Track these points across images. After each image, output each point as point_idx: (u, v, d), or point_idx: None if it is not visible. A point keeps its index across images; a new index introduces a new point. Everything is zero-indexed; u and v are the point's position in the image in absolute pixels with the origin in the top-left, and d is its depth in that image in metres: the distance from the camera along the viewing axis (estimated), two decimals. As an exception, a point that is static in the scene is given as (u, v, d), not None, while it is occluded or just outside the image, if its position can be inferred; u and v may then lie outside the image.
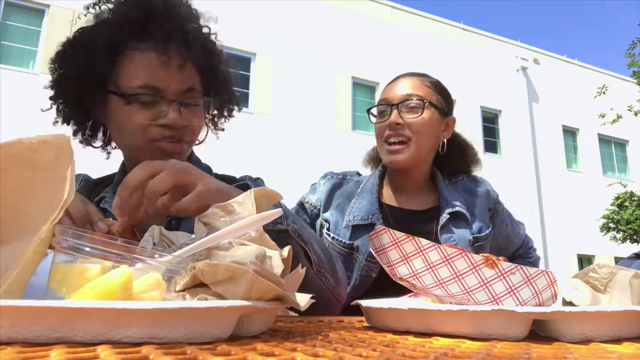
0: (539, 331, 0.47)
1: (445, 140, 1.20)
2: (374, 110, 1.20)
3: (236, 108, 0.99)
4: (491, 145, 12.03)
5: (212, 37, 0.89)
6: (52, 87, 0.88)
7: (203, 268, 0.40)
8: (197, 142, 0.92)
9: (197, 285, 0.42)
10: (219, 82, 0.89)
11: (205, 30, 0.87)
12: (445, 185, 1.22)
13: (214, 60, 0.87)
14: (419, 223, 1.15)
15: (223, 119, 0.99)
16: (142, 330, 0.34)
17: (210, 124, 0.98)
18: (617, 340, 0.44)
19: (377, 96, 1.30)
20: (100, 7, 0.83)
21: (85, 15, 0.83)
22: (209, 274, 0.40)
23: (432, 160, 1.22)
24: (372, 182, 1.21)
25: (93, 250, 0.39)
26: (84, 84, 0.81)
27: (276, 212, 0.52)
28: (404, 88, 1.16)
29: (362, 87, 10.63)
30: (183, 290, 0.42)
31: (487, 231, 1.18)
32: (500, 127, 12.33)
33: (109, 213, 0.84)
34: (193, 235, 0.53)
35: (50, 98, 0.87)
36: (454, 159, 1.26)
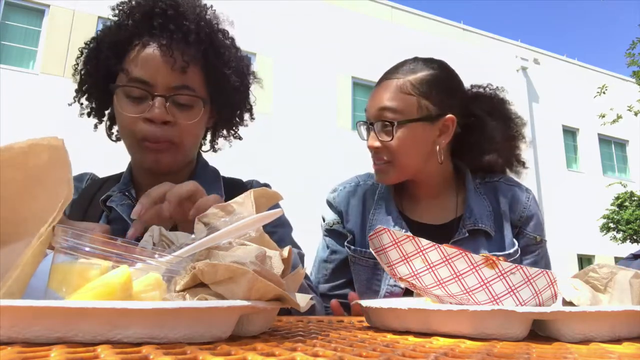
0: (539, 331, 0.47)
1: (443, 142, 1.01)
2: (362, 126, 1.06)
3: (248, 117, 0.97)
4: (491, 145, 12.01)
5: (227, 41, 0.88)
6: (77, 82, 0.92)
7: (203, 268, 0.40)
8: (199, 145, 0.92)
9: (197, 285, 0.42)
10: (227, 88, 0.86)
11: (219, 34, 0.87)
12: (476, 187, 1.06)
13: (221, 65, 0.85)
14: (435, 240, 1.03)
15: (233, 127, 0.97)
16: (142, 330, 0.34)
17: (222, 131, 0.97)
18: (617, 340, 0.44)
19: None
20: (118, 8, 0.85)
21: (110, 17, 0.87)
22: (209, 274, 0.40)
23: (449, 159, 1.06)
24: (387, 190, 1.09)
25: (93, 250, 0.39)
26: (96, 79, 0.86)
27: (276, 212, 0.52)
28: (378, 99, 1.00)
29: (362, 87, 10.62)
30: (183, 290, 0.42)
31: (512, 250, 1.00)
32: (500, 127, 12.32)
33: (115, 211, 0.84)
34: (193, 236, 0.53)
35: (75, 91, 0.91)
36: (476, 151, 1.07)
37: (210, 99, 0.86)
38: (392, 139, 0.97)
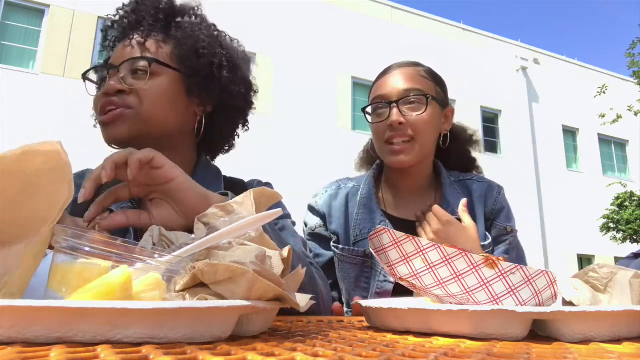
0: (539, 331, 0.47)
1: (447, 132, 1.12)
2: (369, 109, 1.11)
3: (243, 102, 0.94)
4: (491, 145, 12.03)
5: (194, 17, 0.92)
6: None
7: (203, 268, 0.40)
8: (180, 124, 0.87)
9: (197, 285, 0.42)
10: (197, 56, 0.85)
11: (181, 10, 0.91)
12: (451, 183, 1.13)
13: (186, 37, 0.86)
14: (417, 234, 1.05)
15: (227, 108, 0.92)
16: (142, 330, 0.34)
17: (219, 117, 0.93)
18: (617, 340, 0.44)
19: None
20: (105, 27, 0.94)
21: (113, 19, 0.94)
22: (209, 274, 0.40)
23: (434, 155, 1.14)
24: (369, 189, 1.13)
25: (93, 250, 0.39)
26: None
27: (275, 212, 0.52)
28: (401, 82, 1.06)
29: (362, 87, 10.63)
30: (183, 290, 0.42)
31: (486, 242, 1.07)
32: (500, 127, 12.33)
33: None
34: (193, 236, 0.53)
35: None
36: (453, 152, 1.17)
37: (176, 68, 0.85)
38: (422, 113, 1.03)
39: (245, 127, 0.99)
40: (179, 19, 0.90)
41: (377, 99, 1.08)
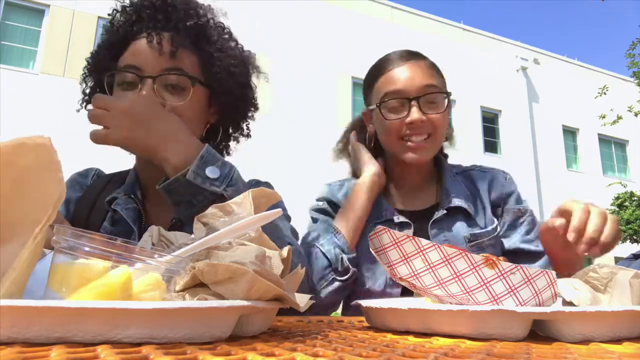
0: (539, 331, 0.47)
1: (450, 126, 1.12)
2: (383, 104, 1.05)
3: (250, 113, 0.99)
4: (491, 145, 12.03)
5: (223, 33, 0.92)
6: (83, 81, 0.95)
7: (203, 268, 0.40)
8: (200, 134, 0.91)
9: (197, 285, 0.42)
10: (223, 73, 0.88)
11: (211, 22, 0.91)
12: (453, 175, 1.12)
13: (214, 50, 0.87)
14: (417, 225, 1.05)
15: (239, 121, 0.98)
16: (142, 330, 0.34)
17: (229, 128, 0.98)
18: (617, 340, 0.44)
19: (364, 91, 1.17)
20: (113, 11, 0.90)
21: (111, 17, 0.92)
22: (208, 274, 0.40)
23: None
24: None
25: (93, 250, 0.39)
26: (98, 81, 0.90)
27: (275, 213, 0.52)
28: (418, 76, 1.03)
29: (362, 87, 10.62)
30: (183, 290, 0.42)
31: (490, 228, 1.05)
32: (500, 127, 12.33)
33: (117, 214, 0.84)
34: (192, 236, 0.53)
35: (83, 101, 0.95)
36: None
37: (207, 84, 0.87)
38: (443, 111, 1.02)
39: (254, 106, 1.00)
40: (209, 33, 0.89)
41: (391, 95, 1.03)
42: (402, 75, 1.04)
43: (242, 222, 0.49)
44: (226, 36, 0.92)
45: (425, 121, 1.00)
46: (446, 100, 1.03)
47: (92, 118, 0.72)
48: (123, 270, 0.37)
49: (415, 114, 1.00)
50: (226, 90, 0.89)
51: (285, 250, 0.49)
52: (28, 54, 8.36)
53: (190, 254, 0.46)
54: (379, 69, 1.10)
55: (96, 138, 0.72)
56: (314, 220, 1.14)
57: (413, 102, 1.00)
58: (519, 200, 1.12)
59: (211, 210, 0.54)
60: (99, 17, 8.43)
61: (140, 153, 0.76)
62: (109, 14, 0.90)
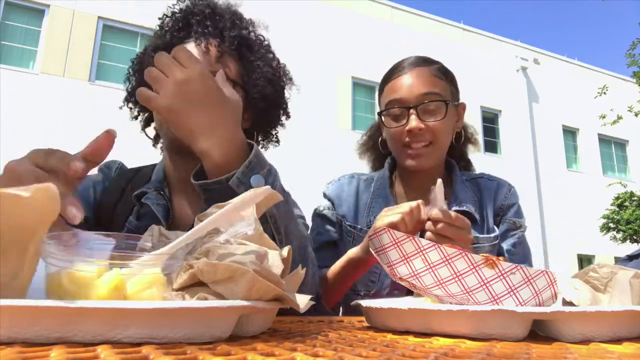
0: (539, 331, 0.47)
1: (460, 130, 1.12)
2: (385, 112, 1.08)
3: (283, 119, 1.03)
4: (491, 145, 12.02)
5: (263, 45, 0.99)
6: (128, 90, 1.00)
7: (202, 267, 0.40)
8: None
9: (196, 284, 0.42)
10: (261, 80, 0.92)
11: (252, 34, 0.97)
12: (462, 181, 1.14)
13: (255, 58, 0.93)
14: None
15: (270, 127, 1.03)
16: (142, 330, 0.34)
17: (260, 134, 1.03)
18: (617, 340, 0.44)
19: (377, 96, 1.18)
20: (163, 16, 0.96)
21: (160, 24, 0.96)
22: (208, 273, 0.40)
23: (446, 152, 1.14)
24: (383, 181, 1.15)
25: (90, 251, 0.39)
26: (141, 84, 0.91)
27: (264, 190, 0.52)
28: (417, 85, 1.04)
29: (362, 87, 10.62)
30: (181, 289, 0.42)
31: (493, 235, 1.08)
32: (500, 127, 12.32)
33: (146, 206, 0.86)
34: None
35: (125, 98, 1.00)
36: (456, 150, 1.18)
37: (246, 89, 0.91)
38: (442, 119, 1.03)
39: (286, 114, 1.05)
40: (251, 43, 0.94)
41: (392, 103, 1.06)
42: (403, 84, 1.06)
43: (231, 206, 0.49)
44: (265, 47, 0.98)
45: (423, 129, 1.02)
46: (446, 108, 1.03)
47: (148, 74, 0.66)
48: (115, 274, 0.37)
49: (413, 122, 1.02)
50: (263, 96, 0.93)
51: (285, 250, 0.49)
52: (28, 54, 8.35)
53: (186, 244, 0.46)
54: (387, 76, 1.13)
55: (141, 97, 0.66)
56: (312, 228, 1.16)
57: (411, 111, 1.03)
58: (518, 214, 1.15)
59: (212, 209, 0.54)
60: (99, 17, 8.42)
61: (180, 132, 0.68)
62: (159, 18, 0.95)
